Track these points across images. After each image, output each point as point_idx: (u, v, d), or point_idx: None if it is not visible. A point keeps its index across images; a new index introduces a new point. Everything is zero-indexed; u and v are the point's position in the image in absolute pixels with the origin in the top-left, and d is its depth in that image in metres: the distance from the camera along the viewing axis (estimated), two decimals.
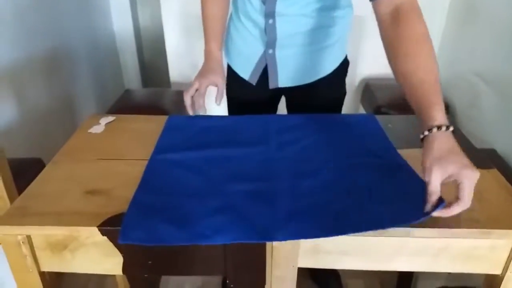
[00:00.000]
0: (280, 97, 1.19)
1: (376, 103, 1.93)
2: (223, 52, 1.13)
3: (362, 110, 2.17)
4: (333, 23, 1.01)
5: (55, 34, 1.69)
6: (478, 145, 1.60)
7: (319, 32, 1.00)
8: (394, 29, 0.75)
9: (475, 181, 0.63)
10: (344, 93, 1.17)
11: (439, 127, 0.66)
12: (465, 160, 0.63)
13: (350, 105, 2.31)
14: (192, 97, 0.96)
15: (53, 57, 1.67)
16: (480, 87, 1.69)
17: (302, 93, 1.10)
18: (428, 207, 0.64)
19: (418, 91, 0.69)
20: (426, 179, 0.64)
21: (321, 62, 1.06)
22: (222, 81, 1.01)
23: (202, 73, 0.99)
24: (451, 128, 0.66)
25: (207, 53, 1.04)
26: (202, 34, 1.13)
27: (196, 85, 0.96)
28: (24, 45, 1.48)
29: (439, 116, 0.66)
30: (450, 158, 0.63)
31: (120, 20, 2.21)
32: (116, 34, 2.26)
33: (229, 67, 1.16)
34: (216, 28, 1.05)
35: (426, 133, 0.66)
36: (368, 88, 2.11)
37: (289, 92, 1.12)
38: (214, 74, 0.99)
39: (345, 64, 1.11)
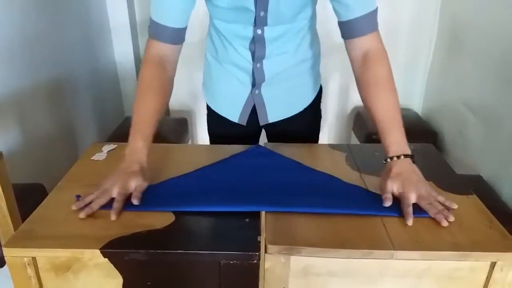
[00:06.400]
0: (261, 130, 1.22)
1: (367, 131, 1.99)
2: (204, 95, 1.19)
3: (354, 138, 2.23)
4: (310, 55, 1.08)
5: (59, 64, 1.75)
6: (464, 171, 1.66)
7: (300, 66, 1.07)
8: (362, 71, 0.91)
9: (416, 196, 0.78)
10: (321, 117, 1.24)
11: (398, 157, 0.83)
12: (415, 178, 0.81)
13: (342, 133, 2.38)
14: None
15: (56, 86, 1.73)
16: (467, 116, 1.76)
17: (283, 124, 1.14)
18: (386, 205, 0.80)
19: (379, 127, 0.87)
20: (380, 191, 0.83)
21: (304, 93, 1.14)
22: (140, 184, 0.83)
23: (121, 175, 0.82)
24: (408, 156, 0.83)
25: (131, 152, 0.85)
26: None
27: (114, 192, 0.80)
28: (30, 75, 1.55)
29: (394, 148, 0.83)
30: (403, 175, 0.81)
31: (121, 50, 2.29)
32: (117, 63, 2.33)
33: (209, 107, 1.20)
34: (151, 125, 0.88)
35: (385, 161, 0.85)
36: (359, 116, 2.17)
37: (271, 125, 1.15)
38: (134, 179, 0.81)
39: (321, 90, 1.20)
